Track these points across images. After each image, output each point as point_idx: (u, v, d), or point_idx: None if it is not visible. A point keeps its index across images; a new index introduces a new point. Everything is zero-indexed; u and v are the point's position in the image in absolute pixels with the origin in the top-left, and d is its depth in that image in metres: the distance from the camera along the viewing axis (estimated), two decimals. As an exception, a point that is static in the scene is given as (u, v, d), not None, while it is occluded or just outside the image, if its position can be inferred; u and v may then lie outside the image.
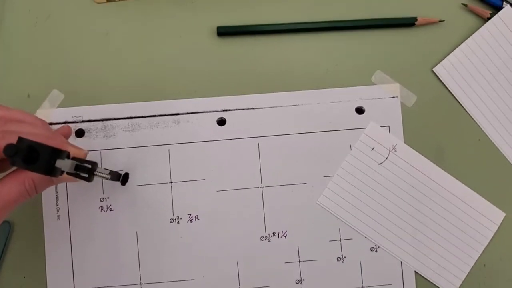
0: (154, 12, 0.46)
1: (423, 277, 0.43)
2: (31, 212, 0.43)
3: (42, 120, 0.35)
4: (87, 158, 0.35)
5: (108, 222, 0.43)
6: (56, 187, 0.43)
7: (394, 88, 0.45)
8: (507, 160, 0.45)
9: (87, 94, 0.45)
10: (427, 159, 0.44)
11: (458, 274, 0.43)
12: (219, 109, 0.44)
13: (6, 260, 0.43)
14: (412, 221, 0.44)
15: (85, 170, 0.34)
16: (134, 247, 0.43)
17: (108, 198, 0.43)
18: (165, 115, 0.44)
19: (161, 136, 0.44)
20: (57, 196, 0.43)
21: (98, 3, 0.46)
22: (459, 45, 0.46)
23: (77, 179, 0.34)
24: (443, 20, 0.46)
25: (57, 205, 0.43)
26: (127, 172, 0.43)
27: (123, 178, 0.43)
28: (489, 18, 0.46)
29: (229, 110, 0.44)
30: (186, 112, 0.44)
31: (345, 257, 0.43)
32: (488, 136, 0.45)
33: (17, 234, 0.43)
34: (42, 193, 0.43)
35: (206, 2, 0.46)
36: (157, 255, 0.43)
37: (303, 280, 0.43)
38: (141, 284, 0.43)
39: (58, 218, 0.43)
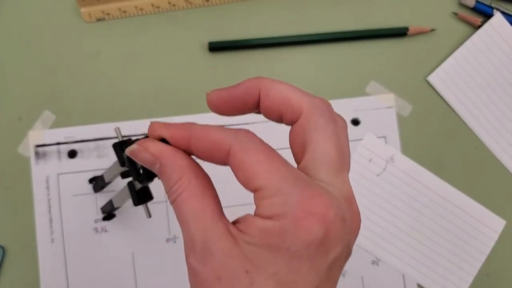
0: (145, 29, 0.46)
1: (425, 289, 0.43)
2: (24, 236, 0.42)
3: None
4: None
5: (104, 244, 0.42)
6: (49, 210, 0.43)
7: (389, 98, 0.45)
8: (505, 167, 0.45)
9: (80, 114, 0.44)
10: (425, 169, 0.44)
11: (461, 284, 0.43)
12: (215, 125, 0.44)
13: (-1, 286, 0.42)
14: (412, 232, 0.43)
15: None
16: (130, 268, 0.42)
17: (102, 219, 0.43)
18: (159, 132, 0.44)
19: (155, 154, 0.43)
20: (50, 218, 0.42)
21: (89, 22, 0.45)
22: (452, 53, 0.46)
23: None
24: (435, 29, 0.46)
25: (51, 227, 0.42)
26: (115, 213, 0.43)
27: (108, 215, 0.42)
28: (480, 26, 0.46)
29: (225, 125, 0.44)
30: (180, 129, 0.44)
31: (346, 271, 0.43)
32: (484, 144, 0.45)
33: (10, 258, 0.42)
34: (35, 215, 0.42)
35: (197, 18, 0.46)
36: (155, 276, 0.42)
37: (304, 296, 0.42)
38: (138, 306, 0.42)
39: (52, 241, 0.42)
